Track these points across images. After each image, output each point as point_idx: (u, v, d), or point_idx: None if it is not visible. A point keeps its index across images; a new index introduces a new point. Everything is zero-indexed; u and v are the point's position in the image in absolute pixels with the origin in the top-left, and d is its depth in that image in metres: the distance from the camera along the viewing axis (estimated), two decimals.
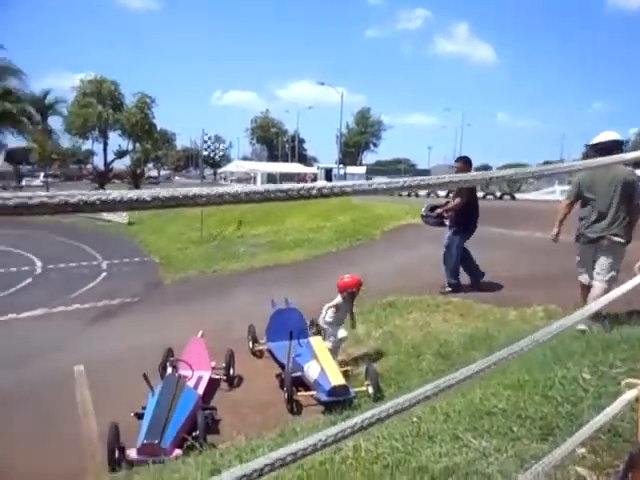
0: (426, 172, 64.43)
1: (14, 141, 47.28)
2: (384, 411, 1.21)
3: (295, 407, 5.34)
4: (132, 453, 4.46)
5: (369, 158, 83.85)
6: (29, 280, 13.91)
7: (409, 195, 24.19)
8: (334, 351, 5.92)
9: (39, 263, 16.00)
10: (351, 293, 5.99)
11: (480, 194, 30.29)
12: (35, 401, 5.74)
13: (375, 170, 61.97)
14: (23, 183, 53.87)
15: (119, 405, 5.32)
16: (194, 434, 4.63)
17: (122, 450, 4.47)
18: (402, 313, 7.10)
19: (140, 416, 4.99)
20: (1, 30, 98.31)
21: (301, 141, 79.34)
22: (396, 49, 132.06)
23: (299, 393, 5.46)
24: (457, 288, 7.78)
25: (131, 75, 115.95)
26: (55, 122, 53.02)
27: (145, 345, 7.22)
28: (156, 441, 4.46)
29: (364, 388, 5.30)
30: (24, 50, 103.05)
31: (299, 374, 5.70)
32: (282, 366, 6.04)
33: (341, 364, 5.78)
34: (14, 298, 11.85)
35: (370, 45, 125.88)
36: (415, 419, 3.21)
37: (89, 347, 7.81)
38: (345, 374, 5.52)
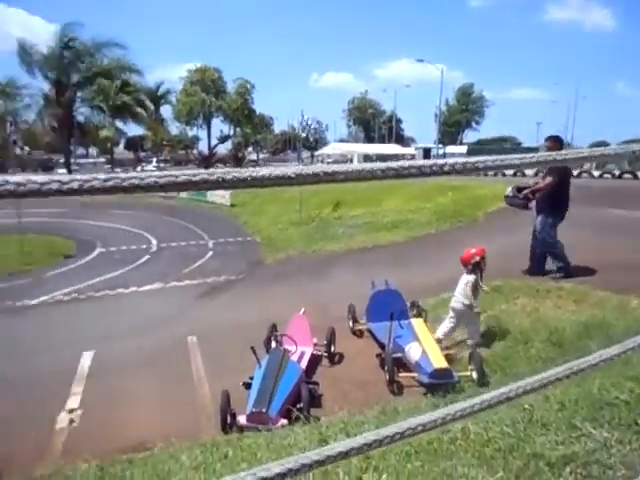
0: (534, 150, 60.41)
1: (132, 130, 51.64)
2: (495, 397, 1.18)
3: (396, 388, 5.36)
4: (242, 419, 4.76)
5: (470, 137, 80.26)
6: (147, 257, 15.18)
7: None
8: (476, 331, 5.82)
9: (154, 242, 17.38)
10: (477, 263, 5.78)
11: (596, 173, 27.95)
12: (156, 367, 6.29)
13: (477, 149, 59.11)
14: (139, 168, 58.59)
15: (228, 374, 5.68)
16: (298, 406, 4.82)
17: (233, 416, 4.79)
18: (508, 298, 6.80)
19: (248, 386, 5.30)
20: (121, 26, 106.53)
21: (398, 121, 77.93)
22: (501, 19, 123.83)
23: (400, 374, 5.47)
24: (568, 271, 7.31)
25: (233, 61, 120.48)
26: (166, 111, 56.88)
27: (249, 319, 7.59)
28: (264, 410, 4.72)
29: (468, 373, 5.18)
30: (137, 43, 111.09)
31: (400, 355, 5.71)
32: (382, 346, 6.07)
33: (443, 348, 5.68)
34: (135, 273, 13.03)
35: (473, 16, 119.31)
36: (527, 406, 3.09)
37: (200, 320, 8.38)
38: (448, 357, 5.43)
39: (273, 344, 6.10)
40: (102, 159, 64.98)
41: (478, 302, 5.78)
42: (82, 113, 43.64)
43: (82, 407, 5.40)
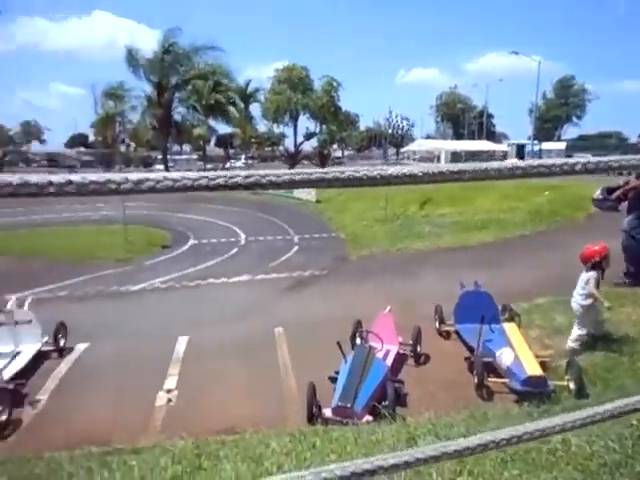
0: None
1: (223, 128, 53.93)
2: (599, 414, 1.10)
3: (485, 392, 5.19)
4: (327, 412, 4.84)
5: (569, 132, 75.09)
6: (235, 250, 15.81)
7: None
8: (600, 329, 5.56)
9: (242, 235, 18.06)
10: (597, 263, 5.46)
11: None
12: (244, 355, 6.54)
13: (577, 146, 55.00)
14: (228, 165, 61.09)
15: (313, 366, 5.78)
16: (383, 403, 4.82)
17: (319, 408, 4.88)
18: (612, 305, 6.32)
19: (333, 380, 5.37)
20: (217, 29, 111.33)
21: (489, 116, 74.78)
22: (605, 4, 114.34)
23: (490, 379, 5.29)
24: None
25: (320, 60, 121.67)
26: (255, 109, 58.74)
27: (333, 314, 7.68)
28: (349, 405, 4.77)
29: (564, 383, 4.90)
30: (231, 44, 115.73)
31: (490, 360, 5.52)
32: (471, 349, 5.90)
33: (537, 355, 5.40)
34: (225, 264, 13.63)
35: (572, 2, 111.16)
36: (634, 422, 2.87)
37: (286, 312, 8.59)
38: (542, 365, 5.16)
39: (358, 340, 6.13)
40: (195, 156, 68.53)
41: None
42: (179, 113, 46.36)
43: (178, 388, 5.75)
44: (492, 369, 5.47)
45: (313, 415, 4.81)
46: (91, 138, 65.48)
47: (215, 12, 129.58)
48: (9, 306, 6.83)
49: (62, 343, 6.78)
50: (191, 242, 16.99)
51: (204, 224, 20.36)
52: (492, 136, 72.34)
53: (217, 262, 13.85)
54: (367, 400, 4.89)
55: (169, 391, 5.70)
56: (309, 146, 57.66)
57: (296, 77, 53.92)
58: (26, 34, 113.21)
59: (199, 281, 11.64)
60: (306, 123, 59.22)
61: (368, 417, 4.77)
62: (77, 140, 70.60)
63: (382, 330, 6.09)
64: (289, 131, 60.22)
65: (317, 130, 56.96)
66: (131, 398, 5.46)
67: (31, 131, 74.09)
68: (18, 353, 6.20)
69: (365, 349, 5.51)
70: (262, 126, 60.25)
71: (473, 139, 67.38)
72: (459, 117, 77.09)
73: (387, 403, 4.78)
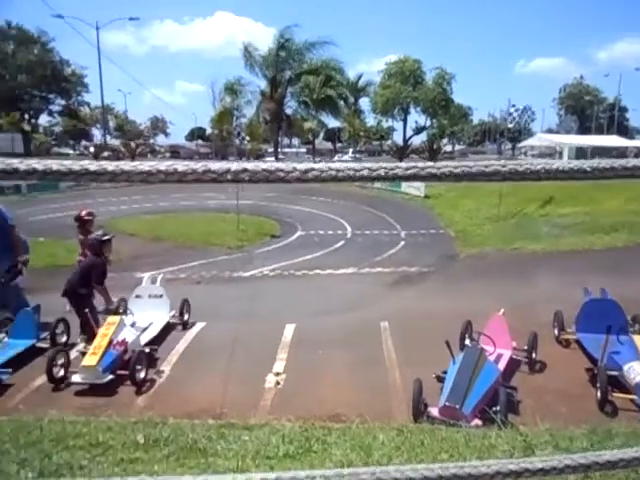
0: None
1: (332, 122, 54.72)
2: None
3: (609, 408, 4.78)
4: (434, 411, 4.75)
5: None
6: (342, 242, 16.02)
7: None
8: None
9: (349, 228, 18.23)
10: None
11: None
12: (350, 346, 6.63)
13: None
14: (335, 158, 61.86)
15: (418, 363, 5.71)
16: (494, 409, 4.62)
17: (425, 406, 4.80)
18: None
19: (440, 379, 5.26)
20: (332, 25, 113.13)
21: (622, 109, 67.99)
22: None
23: (614, 394, 4.86)
24: None
25: (434, 52, 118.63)
26: (364, 103, 58.90)
27: (440, 313, 7.51)
28: (457, 406, 4.64)
29: None
30: (344, 39, 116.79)
31: (615, 373, 5.07)
32: (593, 361, 5.47)
33: None
34: (331, 256, 13.87)
35: None
36: None
37: (391, 307, 8.55)
38: None
39: (467, 341, 5.94)
40: (303, 149, 70.33)
41: None
42: (290, 107, 47.90)
43: (286, 372, 5.97)
44: (617, 383, 5.02)
45: (419, 412, 4.75)
46: (208, 131, 69.89)
47: (330, 6, 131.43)
48: (144, 282, 7.67)
49: (186, 318, 7.51)
50: (299, 233, 17.49)
51: (312, 216, 20.85)
52: (624, 131, 65.65)
53: (324, 253, 14.13)
54: (476, 403, 4.73)
55: (277, 374, 5.94)
56: (419, 140, 56.53)
57: (407, 70, 53.04)
58: (158, 37, 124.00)
59: (306, 271, 11.97)
60: (416, 117, 58.17)
61: (477, 421, 4.61)
62: (196, 133, 75.79)
63: (495, 333, 5.83)
64: (398, 125, 59.59)
65: (427, 124, 55.66)
66: (242, 377, 5.78)
67: (158, 125, 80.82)
68: (151, 323, 6.92)
69: (476, 351, 5.31)
70: (371, 120, 60.27)
71: (602, 134, 61.65)
72: (585, 110, 70.92)
73: (498, 408, 4.58)
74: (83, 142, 68.37)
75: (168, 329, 7.24)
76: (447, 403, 4.68)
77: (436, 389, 5.17)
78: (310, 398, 5.30)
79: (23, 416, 4.31)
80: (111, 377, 5.54)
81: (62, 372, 5.62)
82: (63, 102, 67.31)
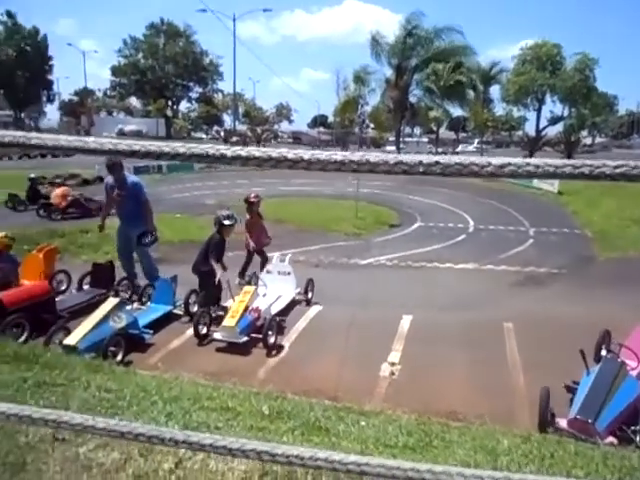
0: None
1: (456, 111, 52.65)
2: None
3: None
4: (562, 422, 4.43)
5: None
6: (463, 236, 15.39)
7: None
8: None
9: (471, 222, 17.45)
10: None
11: None
12: (469, 344, 6.37)
13: None
14: (458, 149, 59.54)
15: (544, 369, 5.34)
16: (633, 428, 4.20)
17: (552, 415, 4.48)
18: None
19: (570, 389, 4.88)
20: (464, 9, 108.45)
21: None
22: None
23: None
24: None
25: (576, 35, 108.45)
26: (494, 91, 55.71)
27: (571, 319, 6.94)
28: (590, 420, 4.27)
29: None
30: (475, 23, 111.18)
31: None
32: None
33: None
34: (451, 249, 13.41)
35: None
36: None
37: (516, 308, 8.06)
38: None
39: (604, 352, 5.41)
40: (425, 139, 68.66)
41: None
42: (415, 95, 46.86)
43: (401, 363, 5.91)
44: None
45: (545, 422, 4.44)
46: (330, 119, 71.10)
47: None
48: (274, 260, 8.32)
49: (310, 296, 8.05)
50: (418, 224, 17.17)
51: (432, 207, 20.33)
52: None
53: (443, 246, 13.72)
54: (612, 420, 4.32)
55: (392, 364, 5.90)
56: (554, 131, 52.40)
57: (545, 55, 49.30)
58: (287, 26, 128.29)
59: (424, 263, 11.72)
60: (551, 106, 53.95)
61: (612, 438, 4.21)
62: (318, 120, 77.50)
63: (638, 346, 5.24)
64: (530, 115, 55.85)
65: (565, 114, 51.43)
66: (357, 363, 5.83)
67: (283, 112, 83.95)
68: (279, 297, 7.51)
69: (616, 364, 4.81)
70: (499, 109, 57.05)
71: None
72: None
73: (638, 428, 4.14)
74: (215, 127, 73.30)
75: (293, 304, 7.74)
76: (579, 416, 4.32)
77: (565, 399, 4.81)
78: (425, 392, 5.20)
79: (163, 373, 4.78)
80: (246, 339, 6.21)
81: (205, 329, 6.39)
82: (200, 90, 72.79)
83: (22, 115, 66.04)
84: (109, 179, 7.94)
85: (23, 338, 5.78)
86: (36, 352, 4.47)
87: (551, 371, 5.19)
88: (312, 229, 15.17)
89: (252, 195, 8.68)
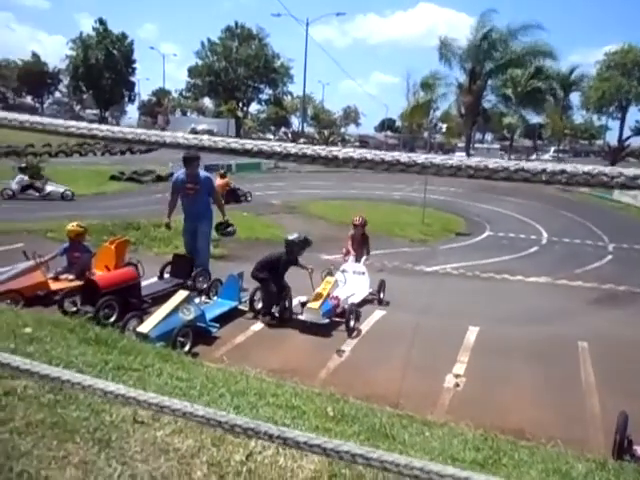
0: None
1: (532, 118, 50.53)
2: None
3: None
4: (639, 450, 4.12)
5: None
6: (536, 248, 14.75)
7: None
8: None
9: (545, 234, 16.68)
10: None
11: None
12: (540, 361, 6.08)
13: None
14: (533, 157, 57.12)
15: (621, 393, 5.07)
16: None
17: (630, 442, 4.19)
18: None
19: None
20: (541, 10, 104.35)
21: None
22: None
23: None
24: None
25: None
26: (574, 98, 53.04)
27: None
28: None
29: None
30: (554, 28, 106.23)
31: None
32: None
33: None
34: (522, 262, 12.87)
35: None
36: None
37: (592, 327, 7.62)
38: None
39: None
40: (496, 145, 66.46)
41: None
42: (489, 100, 45.52)
43: (466, 375, 5.73)
44: None
45: (622, 449, 4.15)
46: (398, 123, 70.43)
47: None
48: (350, 260, 8.70)
49: (381, 296, 8.36)
50: (487, 233, 16.64)
51: (502, 216, 19.66)
52: None
53: (513, 258, 13.21)
54: None
55: (457, 376, 5.73)
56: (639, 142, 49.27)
57: (631, 61, 46.45)
58: (359, 29, 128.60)
59: (492, 274, 11.33)
60: (636, 115, 50.75)
61: None
62: (386, 124, 76.93)
63: None
64: (613, 124, 52.81)
65: None
66: (421, 371, 5.71)
67: (350, 115, 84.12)
68: (354, 293, 7.87)
69: None
70: (578, 117, 54.33)
71: None
72: None
73: None
74: (282, 129, 74.62)
75: (365, 302, 8.01)
76: None
77: None
78: (491, 407, 5.01)
79: (228, 367, 4.91)
80: (327, 321, 6.80)
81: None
82: (270, 92, 74.40)
83: (107, 114, 70.44)
84: (180, 174, 8.13)
85: (113, 318, 6.14)
86: (114, 337, 4.72)
87: (631, 396, 4.88)
88: (376, 233, 15.01)
89: (355, 219, 9.07)
